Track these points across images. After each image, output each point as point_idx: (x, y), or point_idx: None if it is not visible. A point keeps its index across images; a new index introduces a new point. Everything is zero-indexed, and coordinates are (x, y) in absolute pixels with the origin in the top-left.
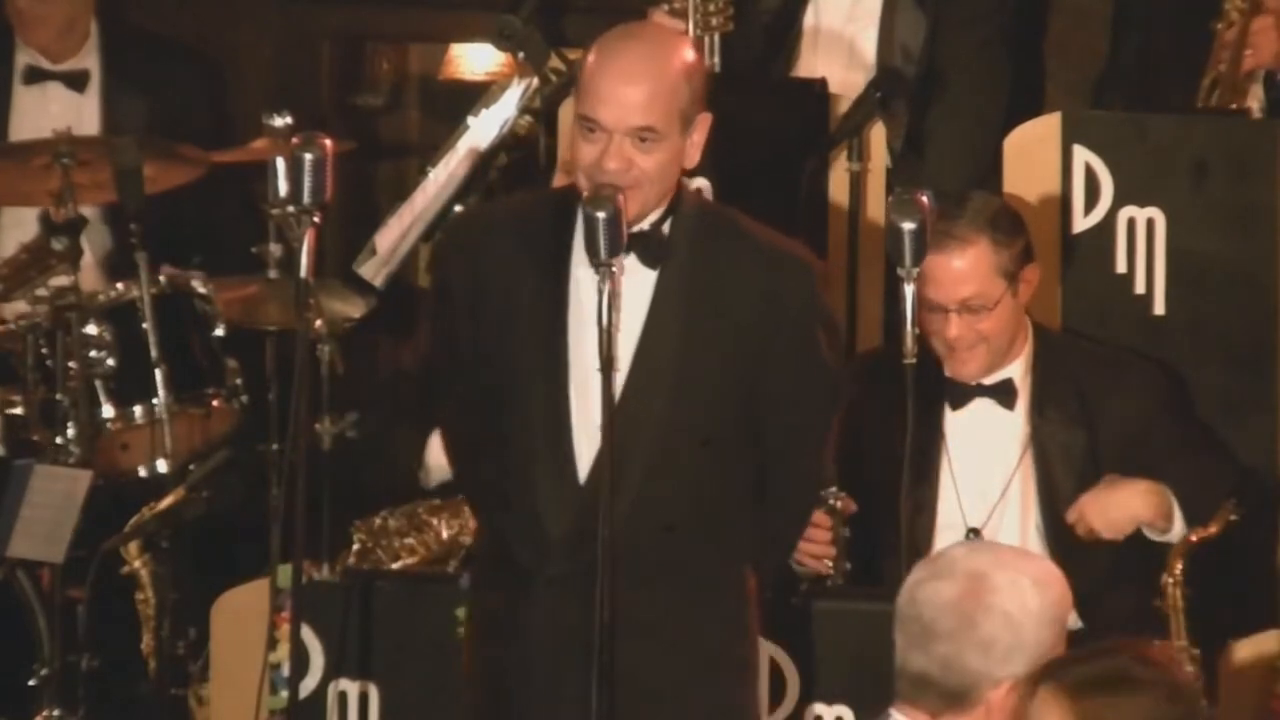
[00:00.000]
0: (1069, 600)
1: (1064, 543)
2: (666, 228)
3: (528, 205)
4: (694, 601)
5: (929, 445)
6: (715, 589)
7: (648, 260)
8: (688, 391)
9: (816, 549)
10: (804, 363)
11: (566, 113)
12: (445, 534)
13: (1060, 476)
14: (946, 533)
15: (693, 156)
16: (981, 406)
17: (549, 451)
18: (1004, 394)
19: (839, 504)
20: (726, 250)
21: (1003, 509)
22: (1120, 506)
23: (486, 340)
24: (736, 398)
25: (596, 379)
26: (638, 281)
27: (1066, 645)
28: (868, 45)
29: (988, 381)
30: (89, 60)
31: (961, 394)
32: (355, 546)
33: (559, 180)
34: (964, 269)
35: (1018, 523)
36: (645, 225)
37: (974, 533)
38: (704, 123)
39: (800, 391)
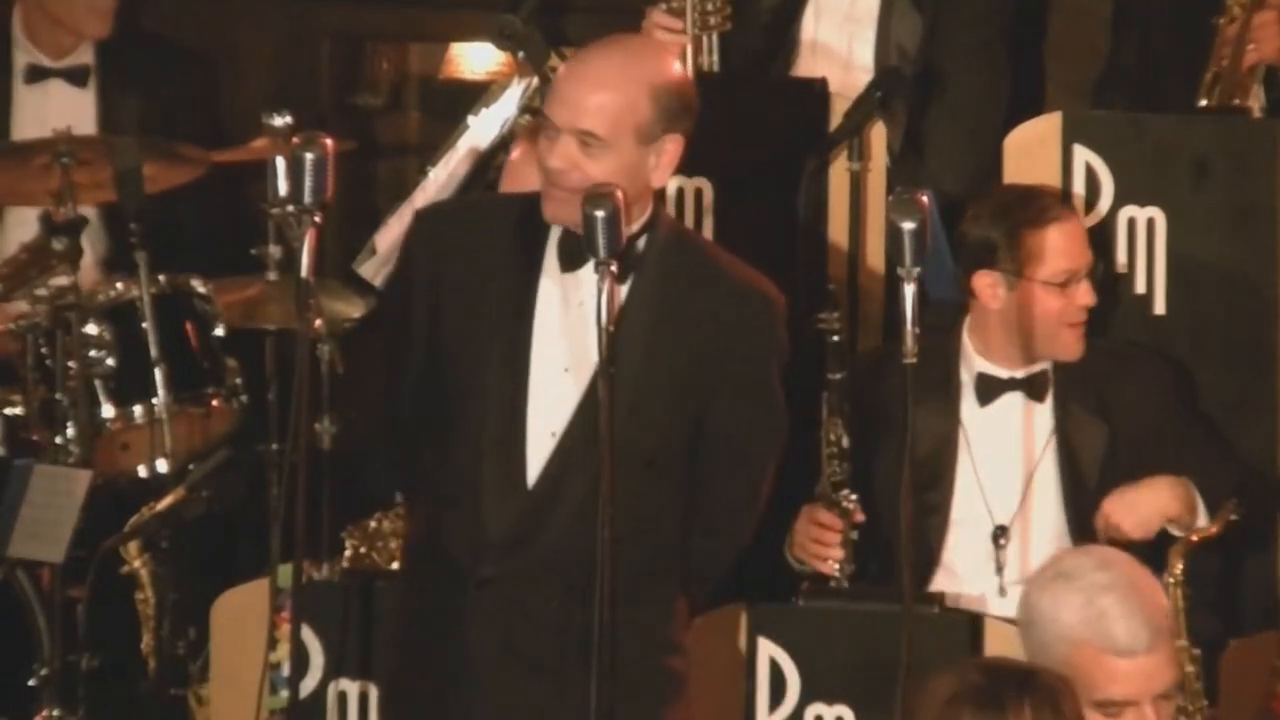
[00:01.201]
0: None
1: (1090, 536)
2: (641, 244)
3: (499, 204)
4: (623, 616)
5: (944, 446)
6: (644, 605)
7: (619, 273)
8: (641, 409)
9: (824, 550)
10: (756, 395)
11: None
12: None
13: (1086, 469)
14: (965, 529)
15: (659, 177)
16: (1009, 401)
17: (499, 453)
18: (1038, 386)
19: (851, 507)
20: (694, 276)
21: (1029, 503)
22: (1149, 503)
23: (448, 335)
24: (684, 421)
25: (556, 383)
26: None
27: None
28: (866, 46)
29: (1021, 374)
30: (88, 56)
31: (992, 388)
32: (347, 552)
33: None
34: (1084, 234)
35: (1043, 516)
36: None
37: (1001, 530)
38: (673, 145)
39: (749, 423)
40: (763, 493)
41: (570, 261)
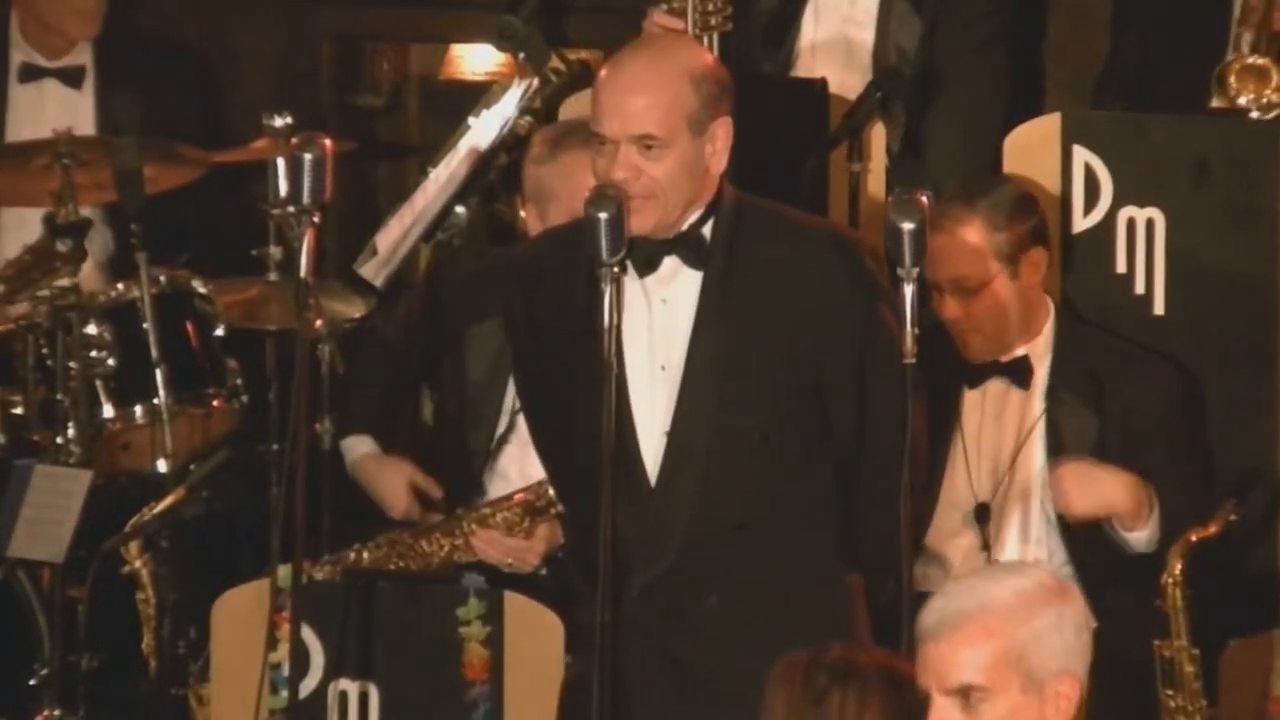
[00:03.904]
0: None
1: (1070, 526)
2: (708, 229)
3: (563, 231)
4: (785, 605)
5: (943, 424)
6: (809, 592)
7: (691, 261)
8: (741, 388)
9: None
10: (867, 342)
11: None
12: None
13: (1073, 456)
14: (953, 511)
15: (717, 163)
16: (997, 386)
17: (617, 459)
18: (1019, 372)
19: None
20: (768, 243)
21: (1009, 487)
22: (1099, 485)
23: (552, 364)
24: (795, 390)
25: (655, 383)
26: (684, 283)
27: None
28: (866, 46)
29: (1003, 359)
30: (84, 57)
31: (977, 373)
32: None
33: (528, 214)
34: (954, 248)
35: (1023, 502)
36: (684, 227)
37: (983, 507)
38: (724, 127)
39: (869, 374)
40: (917, 450)
41: (646, 264)
